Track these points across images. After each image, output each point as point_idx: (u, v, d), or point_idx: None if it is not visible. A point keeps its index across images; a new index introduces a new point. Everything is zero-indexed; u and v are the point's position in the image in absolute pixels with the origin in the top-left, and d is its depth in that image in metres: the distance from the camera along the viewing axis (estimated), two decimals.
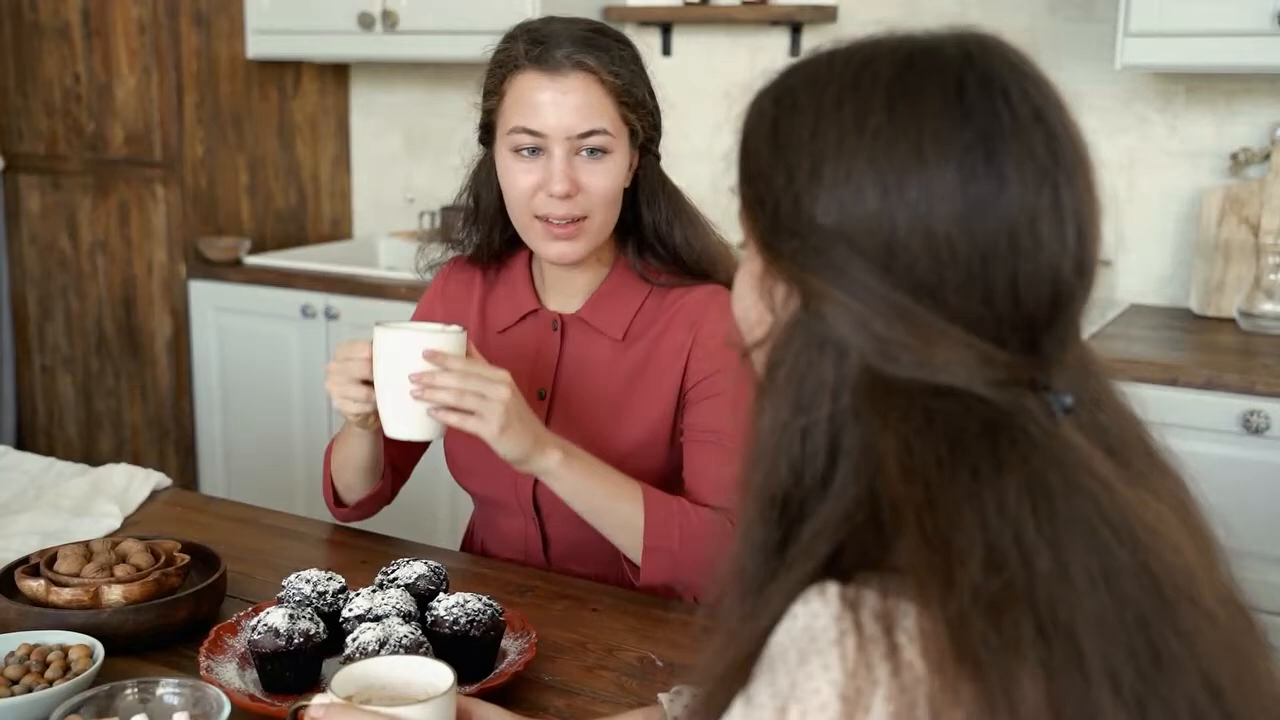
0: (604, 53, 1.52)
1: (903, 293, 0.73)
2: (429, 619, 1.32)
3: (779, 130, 0.79)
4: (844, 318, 0.74)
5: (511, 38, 1.56)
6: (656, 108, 1.60)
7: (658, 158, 1.63)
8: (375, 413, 1.44)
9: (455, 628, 1.29)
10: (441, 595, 1.34)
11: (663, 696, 1.18)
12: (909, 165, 0.73)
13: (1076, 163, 0.76)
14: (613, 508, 1.46)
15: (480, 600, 1.32)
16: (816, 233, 0.75)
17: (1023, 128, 0.74)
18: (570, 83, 1.51)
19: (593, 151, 1.53)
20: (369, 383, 1.44)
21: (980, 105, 0.74)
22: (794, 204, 0.76)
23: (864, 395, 0.73)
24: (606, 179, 1.54)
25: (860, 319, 0.73)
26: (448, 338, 1.39)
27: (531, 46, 1.52)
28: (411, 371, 1.37)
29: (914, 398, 0.72)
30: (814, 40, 2.79)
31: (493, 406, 1.37)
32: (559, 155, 1.52)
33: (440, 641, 1.28)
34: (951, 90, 0.74)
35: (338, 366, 1.46)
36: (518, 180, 1.55)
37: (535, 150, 1.53)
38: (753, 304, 0.82)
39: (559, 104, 1.51)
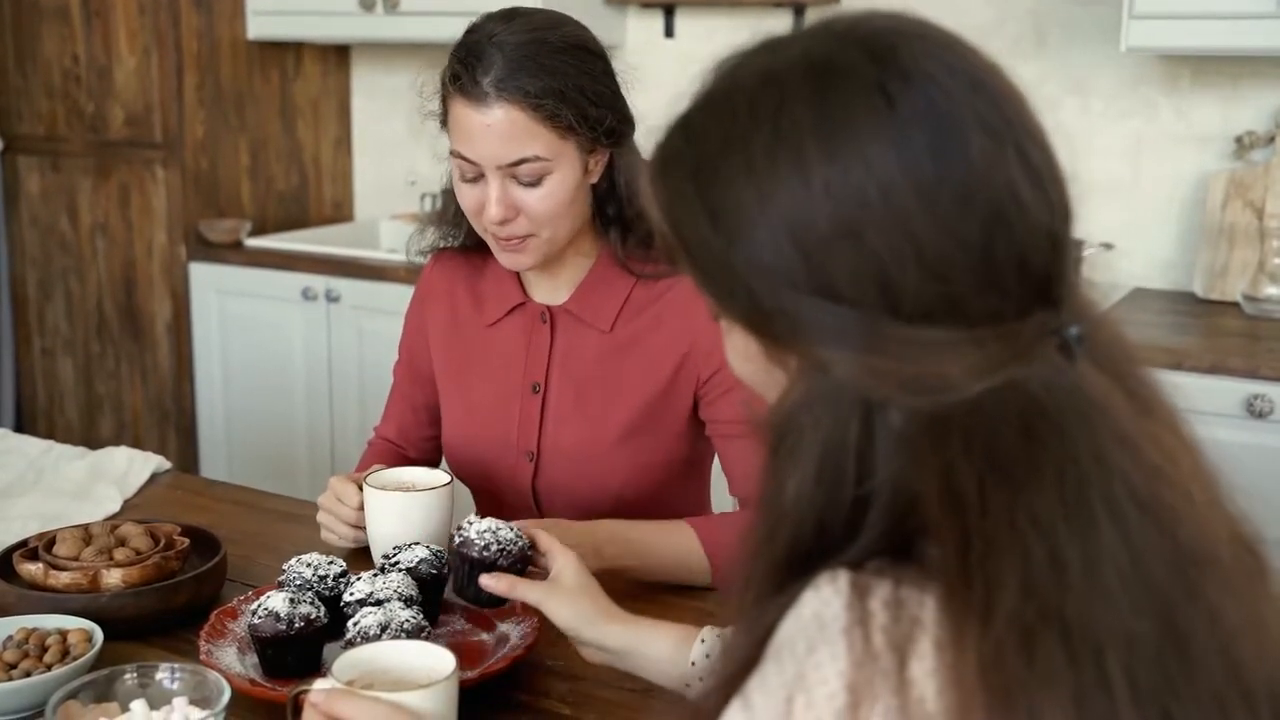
0: (533, 77, 1.45)
1: (914, 325, 0.70)
2: (457, 539, 1.31)
3: (719, 214, 0.73)
4: (864, 377, 0.70)
5: (453, 51, 1.52)
6: (618, 103, 1.53)
7: (633, 148, 1.56)
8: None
9: (485, 553, 1.29)
10: (473, 517, 1.34)
11: (708, 630, 1.19)
12: (872, 200, 0.69)
13: (1025, 116, 0.74)
14: (676, 562, 1.51)
15: (513, 530, 1.31)
16: (805, 303, 0.71)
17: (965, 104, 0.71)
18: (494, 114, 1.45)
19: (527, 176, 1.49)
20: (358, 525, 1.55)
21: (914, 103, 0.70)
22: (770, 287, 0.72)
23: (897, 441, 0.70)
24: (545, 202, 1.50)
25: (881, 371, 0.69)
26: (432, 495, 1.49)
27: (460, 72, 1.47)
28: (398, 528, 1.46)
29: (951, 422, 0.69)
30: None
31: None
32: (494, 183, 1.49)
33: (465, 563, 1.28)
34: (880, 103, 0.70)
35: (330, 505, 1.57)
36: (464, 198, 1.54)
37: (474, 174, 1.51)
38: (765, 373, 0.78)
39: (485, 135, 1.46)
